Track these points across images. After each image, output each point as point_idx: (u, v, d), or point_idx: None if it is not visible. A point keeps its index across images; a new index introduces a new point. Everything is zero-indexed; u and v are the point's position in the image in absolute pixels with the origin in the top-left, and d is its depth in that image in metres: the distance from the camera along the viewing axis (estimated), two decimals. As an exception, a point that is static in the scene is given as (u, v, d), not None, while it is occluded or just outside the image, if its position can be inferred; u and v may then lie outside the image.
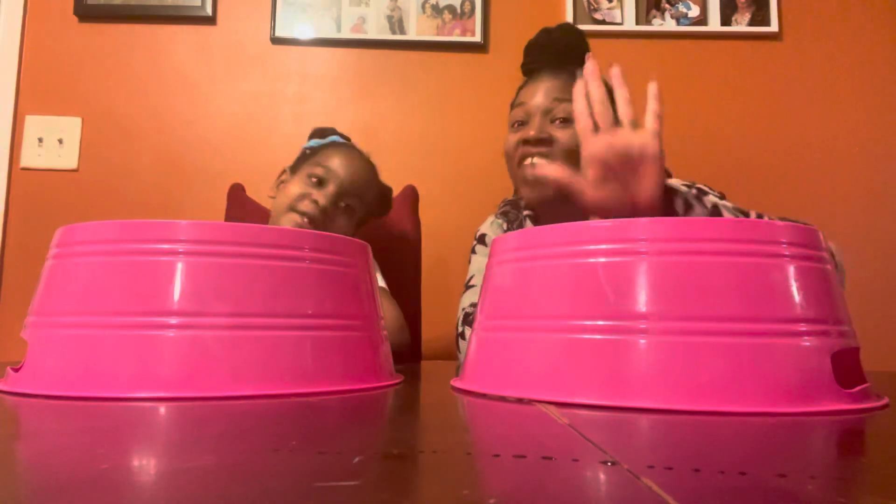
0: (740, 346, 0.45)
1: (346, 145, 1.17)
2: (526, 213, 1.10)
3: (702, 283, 0.47)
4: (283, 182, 1.15)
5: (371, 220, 1.22)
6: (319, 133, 1.22)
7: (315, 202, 1.06)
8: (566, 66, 1.03)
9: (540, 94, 1.00)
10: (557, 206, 1.01)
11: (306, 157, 1.15)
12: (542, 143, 0.98)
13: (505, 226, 1.12)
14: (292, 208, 1.07)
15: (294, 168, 1.15)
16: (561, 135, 0.98)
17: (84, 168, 1.65)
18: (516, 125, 1.03)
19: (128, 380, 0.48)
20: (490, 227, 1.14)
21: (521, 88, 1.07)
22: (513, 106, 1.07)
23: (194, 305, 0.50)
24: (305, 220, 1.06)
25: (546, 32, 1.05)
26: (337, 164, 1.10)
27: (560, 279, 0.51)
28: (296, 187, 1.09)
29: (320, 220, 1.07)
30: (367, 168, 1.16)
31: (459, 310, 1.06)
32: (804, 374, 0.46)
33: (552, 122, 0.99)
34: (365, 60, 1.70)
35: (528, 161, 0.98)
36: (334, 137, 1.19)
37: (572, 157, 0.97)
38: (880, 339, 1.56)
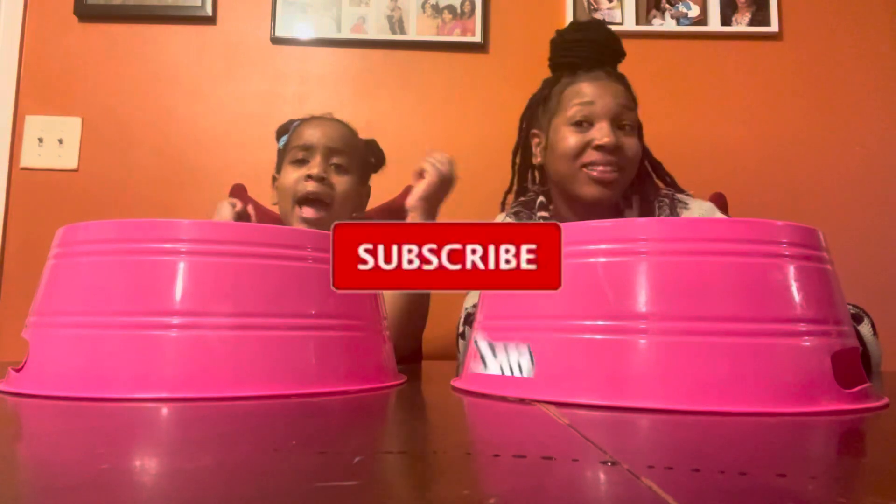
0: (740, 346, 0.45)
1: (310, 118, 1.18)
2: (541, 214, 1.09)
3: (702, 283, 0.47)
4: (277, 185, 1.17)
5: (370, 174, 1.22)
6: (282, 130, 1.23)
7: (309, 177, 1.07)
8: (602, 64, 1.04)
9: (608, 97, 1.01)
10: (607, 212, 1.04)
11: (282, 151, 1.17)
12: (616, 152, 1.00)
13: None
14: (294, 197, 1.08)
15: (279, 167, 1.17)
16: (629, 143, 1.01)
17: (84, 168, 1.65)
18: (579, 123, 1.02)
19: (130, 380, 0.48)
20: None
21: (568, 82, 1.05)
22: (561, 95, 1.06)
23: (196, 305, 0.50)
24: (312, 208, 1.07)
25: (582, 28, 1.07)
26: (309, 134, 1.12)
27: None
28: (287, 178, 1.10)
29: (323, 190, 1.08)
30: (340, 125, 1.17)
31: (462, 309, 1.06)
32: (804, 374, 0.46)
33: (619, 128, 1.01)
34: (365, 60, 1.70)
35: (604, 170, 1.00)
36: (296, 122, 1.20)
37: (635, 165, 1.04)
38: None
